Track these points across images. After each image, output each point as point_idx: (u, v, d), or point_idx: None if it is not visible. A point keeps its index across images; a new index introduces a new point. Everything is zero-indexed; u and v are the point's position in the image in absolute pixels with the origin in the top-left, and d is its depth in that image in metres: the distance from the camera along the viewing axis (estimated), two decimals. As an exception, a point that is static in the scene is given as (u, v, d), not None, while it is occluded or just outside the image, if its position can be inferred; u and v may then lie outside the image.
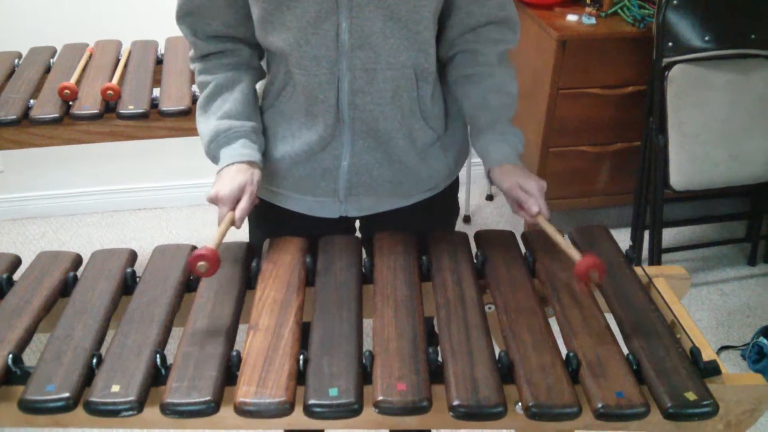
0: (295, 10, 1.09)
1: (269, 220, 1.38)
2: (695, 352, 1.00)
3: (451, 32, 1.22)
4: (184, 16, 1.19)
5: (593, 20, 2.35)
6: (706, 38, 2.24)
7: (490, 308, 1.13)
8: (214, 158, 1.21)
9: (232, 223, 1.13)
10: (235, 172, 1.15)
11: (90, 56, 2.00)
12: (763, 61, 2.31)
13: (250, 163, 1.18)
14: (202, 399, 0.91)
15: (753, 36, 2.28)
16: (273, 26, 1.12)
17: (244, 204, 1.14)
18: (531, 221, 1.18)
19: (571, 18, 2.38)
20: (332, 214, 1.32)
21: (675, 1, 2.20)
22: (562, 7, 2.47)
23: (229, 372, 0.97)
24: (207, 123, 1.21)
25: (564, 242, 1.12)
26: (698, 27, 2.23)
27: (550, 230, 1.15)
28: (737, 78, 2.29)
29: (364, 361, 0.97)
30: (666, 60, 2.24)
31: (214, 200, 1.14)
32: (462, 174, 1.41)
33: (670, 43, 2.23)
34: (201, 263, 1.03)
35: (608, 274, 1.17)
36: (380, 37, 1.11)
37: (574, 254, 1.09)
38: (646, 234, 2.53)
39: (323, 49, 1.11)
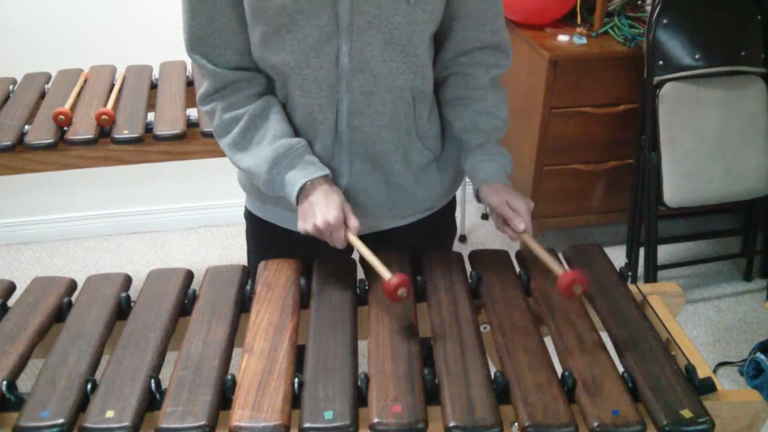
0: (297, 34, 1.09)
1: (269, 240, 1.38)
2: (690, 369, 1.00)
3: (445, 54, 1.23)
4: (196, 46, 1.15)
5: (584, 40, 2.37)
6: (697, 56, 2.26)
7: (485, 328, 1.14)
8: (275, 184, 1.16)
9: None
10: (326, 193, 1.12)
11: (85, 81, 2.01)
12: (754, 77, 2.33)
13: (325, 178, 1.15)
14: (197, 424, 0.91)
15: (743, 53, 2.30)
16: (273, 48, 1.12)
17: (354, 222, 1.12)
18: (514, 238, 1.18)
19: (562, 38, 2.39)
20: (330, 233, 1.32)
21: (665, 20, 2.23)
22: (553, 27, 2.49)
23: (224, 396, 0.97)
24: (258, 152, 1.16)
25: (549, 258, 1.12)
26: (688, 45, 2.25)
27: (535, 246, 1.15)
28: (728, 95, 2.31)
29: (359, 383, 0.97)
30: (657, 78, 2.26)
31: (325, 228, 1.11)
32: (458, 194, 1.42)
33: (661, 62, 2.25)
34: (402, 290, 1.05)
35: (602, 292, 1.18)
36: (379, 60, 1.12)
37: (558, 268, 1.09)
38: (642, 251, 2.54)
39: (324, 72, 1.12)
